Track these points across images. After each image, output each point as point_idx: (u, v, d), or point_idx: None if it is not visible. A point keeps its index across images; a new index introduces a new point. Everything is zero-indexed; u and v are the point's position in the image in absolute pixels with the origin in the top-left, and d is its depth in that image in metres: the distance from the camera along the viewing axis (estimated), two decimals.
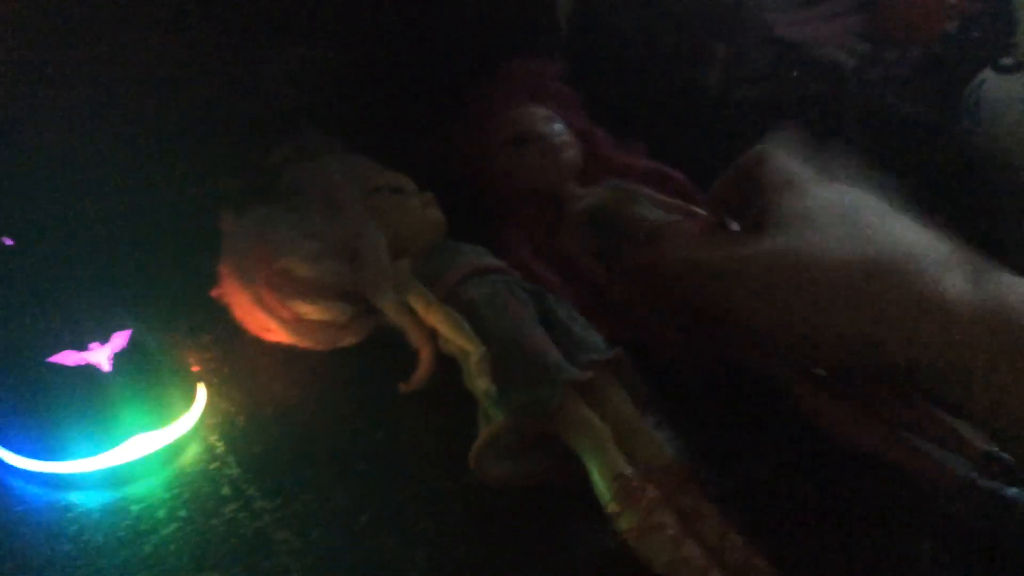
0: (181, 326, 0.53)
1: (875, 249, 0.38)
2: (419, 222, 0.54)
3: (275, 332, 0.51)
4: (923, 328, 0.36)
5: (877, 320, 0.37)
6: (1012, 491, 0.40)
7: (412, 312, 0.49)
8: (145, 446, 0.44)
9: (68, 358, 0.43)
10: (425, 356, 0.49)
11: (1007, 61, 0.87)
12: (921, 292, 0.36)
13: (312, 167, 0.55)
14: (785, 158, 0.45)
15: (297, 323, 0.50)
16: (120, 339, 0.45)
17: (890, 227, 0.40)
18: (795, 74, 0.75)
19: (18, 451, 0.43)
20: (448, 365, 0.48)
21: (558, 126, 0.61)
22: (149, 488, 0.43)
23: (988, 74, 0.89)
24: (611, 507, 0.38)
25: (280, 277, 0.49)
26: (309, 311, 0.50)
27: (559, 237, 0.57)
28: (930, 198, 0.79)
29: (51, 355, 0.43)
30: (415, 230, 0.54)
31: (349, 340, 0.52)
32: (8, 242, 0.47)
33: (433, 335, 0.49)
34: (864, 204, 0.42)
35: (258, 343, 0.53)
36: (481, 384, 0.44)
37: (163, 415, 0.45)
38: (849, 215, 0.41)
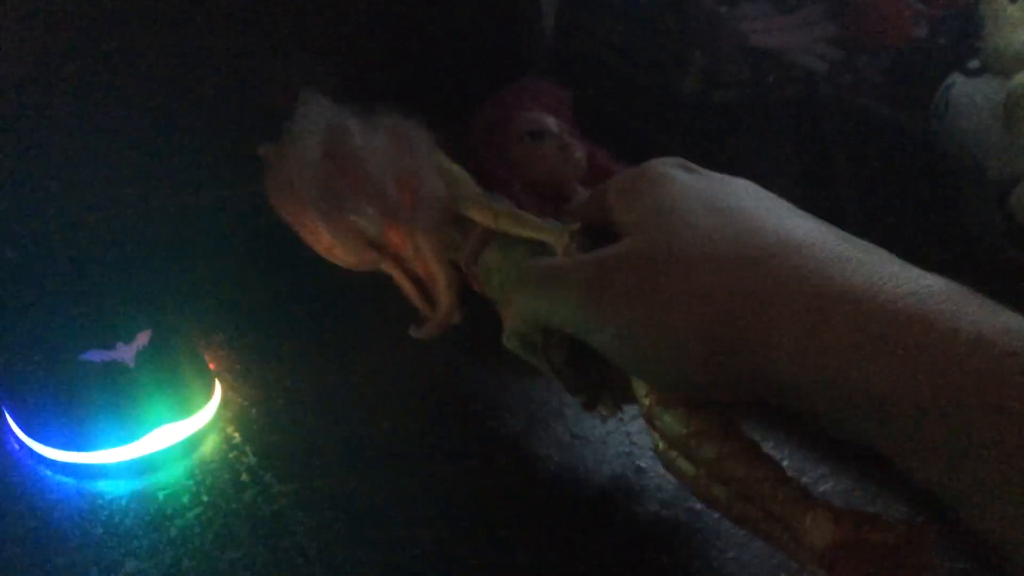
0: (198, 326, 0.56)
1: (755, 244, 0.32)
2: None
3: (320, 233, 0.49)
4: (806, 326, 0.29)
5: (753, 319, 0.31)
6: None
7: (449, 263, 0.48)
8: (168, 437, 0.47)
9: (96, 356, 0.46)
10: (441, 312, 0.48)
11: (975, 65, 0.90)
12: (809, 287, 0.30)
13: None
14: (660, 163, 0.39)
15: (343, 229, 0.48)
16: (143, 338, 0.47)
17: (769, 216, 0.34)
18: (770, 80, 0.78)
19: (51, 443, 0.46)
20: (450, 354, 0.50)
21: (568, 131, 0.64)
22: (173, 476, 0.46)
23: (957, 77, 0.92)
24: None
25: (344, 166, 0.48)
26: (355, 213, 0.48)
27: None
28: (901, 198, 0.83)
29: (81, 353, 0.46)
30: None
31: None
32: (33, 250, 0.49)
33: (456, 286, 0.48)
34: (741, 193, 0.36)
35: (268, 342, 0.56)
36: None
37: (184, 408, 0.48)
38: (726, 207, 0.34)
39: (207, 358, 0.52)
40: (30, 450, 0.47)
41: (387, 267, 0.49)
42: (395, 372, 0.52)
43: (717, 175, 0.38)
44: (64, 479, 0.46)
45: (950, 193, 0.79)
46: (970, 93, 0.90)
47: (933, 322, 0.28)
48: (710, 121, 0.77)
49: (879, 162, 0.83)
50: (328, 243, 0.49)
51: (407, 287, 0.49)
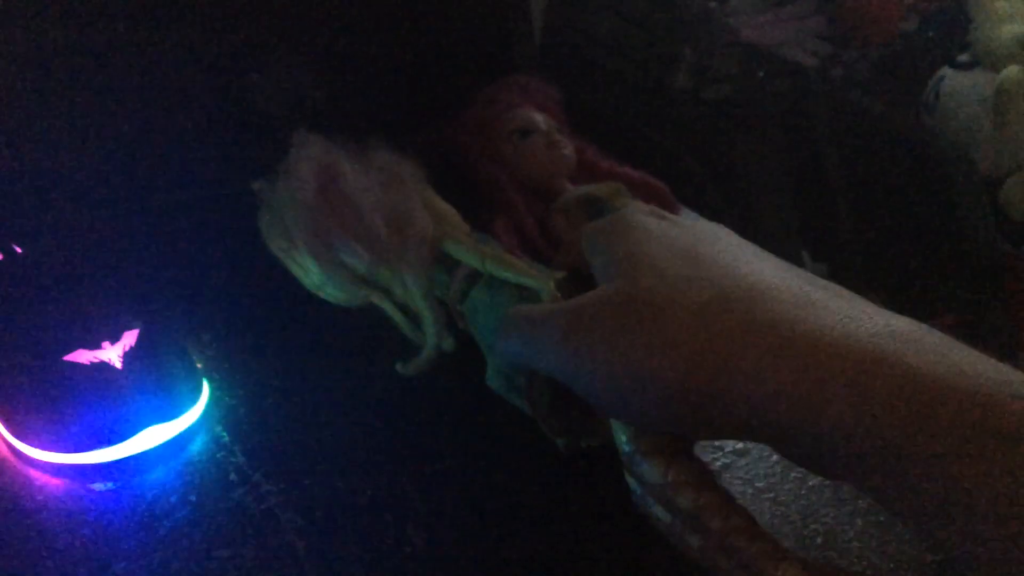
0: (185, 325, 0.55)
1: (725, 289, 0.33)
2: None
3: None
4: (777, 368, 0.30)
5: (723, 364, 0.31)
6: None
7: (436, 301, 0.49)
8: (156, 437, 0.47)
9: (82, 356, 0.46)
10: (429, 347, 0.49)
11: (964, 58, 0.91)
12: (778, 331, 0.31)
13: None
14: (631, 211, 0.41)
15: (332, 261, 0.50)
16: (130, 338, 0.47)
17: (737, 262, 0.35)
18: (760, 75, 0.78)
19: (39, 444, 0.46)
20: (441, 354, 0.50)
21: (557, 128, 0.64)
22: (162, 476, 0.46)
23: (946, 71, 0.92)
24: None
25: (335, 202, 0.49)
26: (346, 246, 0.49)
27: (551, 219, 0.59)
28: (891, 192, 0.83)
29: (66, 354, 0.46)
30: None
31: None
32: (17, 250, 0.49)
33: (447, 322, 0.49)
34: (710, 239, 0.38)
35: (256, 341, 0.56)
36: None
37: (172, 408, 0.47)
38: (697, 255, 0.36)
39: (195, 358, 0.52)
40: (17, 451, 0.47)
41: (377, 301, 0.51)
42: (385, 371, 0.52)
43: (687, 222, 0.40)
44: (52, 480, 0.46)
45: (941, 187, 0.80)
46: (960, 87, 0.91)
47: (897, 364, 0.28)
48: (700, 116, 0.77)
49: (869, 156, 0.83)
50: (319, 281, 0.50)
51: (398, 319, 0.50)
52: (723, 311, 0.33)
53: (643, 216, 0.40)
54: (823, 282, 0.34)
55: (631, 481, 0.38)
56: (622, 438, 0.37)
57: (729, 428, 0.33)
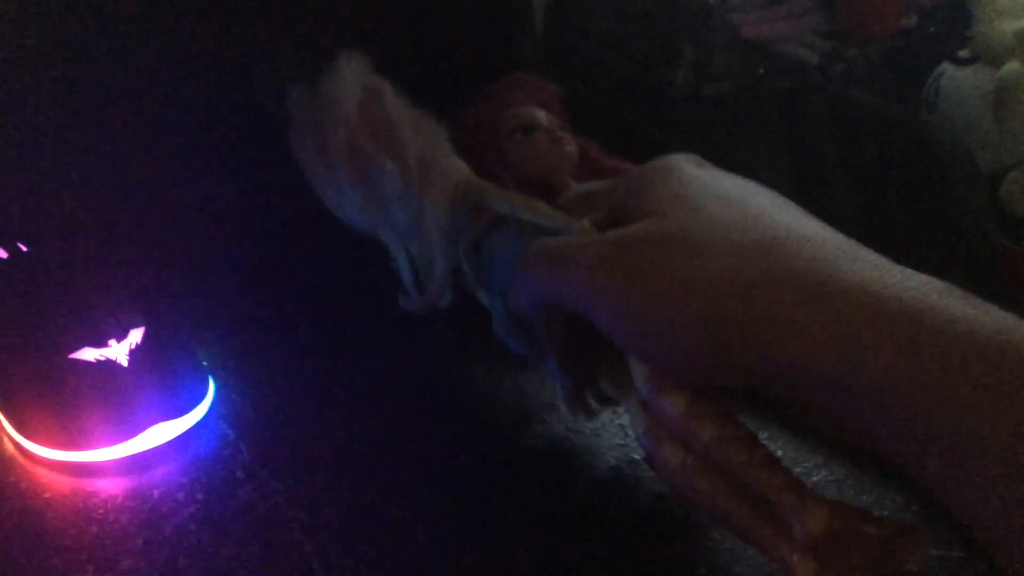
0: (191, 323, 0.55)
1: (765, 233, 0.33)
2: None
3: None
4: (816, 316, 0.30)
5: (759, 307, 0.31)
6: None
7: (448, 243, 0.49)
8: (162, 435, 0.47)
9: (88, 354, 0.46)
10: (436, 286, 0.49)
11: (964, 54, 0.91)
12: (818, 278, 0.31)
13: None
14: (675, 157, 0.40)
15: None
16: (136, 336, 0.47)
17: (783, 214, 0.35)
18: (761, 72, 0.78)
19: (45, 442, 0.46)
20: (445, 350, 0.50)
21: (559, 125, 0.64)
22: (168, 474, 0.46)
23: (946, 67, 0.92)
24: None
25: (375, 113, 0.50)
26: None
27: None
28: (892, 188, 0.83)
29: (72, 352, 0.46)
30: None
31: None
32: (23, 249, 0.49)
33: None
34: (752, 190, 0.37)
35: (262, 338, 0.56)
36: None
37: (177, 406, 0.48)
38: (737, 199, 0.35)
39: (201, 355, 0.52)
40: (24, 449, 0.47)
41: (386, 236, 0.50)
42: (390, 368, 0.52)
43: (728, 173, 0.39)
44: (58, 478, 0.46)
45: (941, 183, 0.80)
46: (960, 83, 0.91)
47: (934, 316, 0.28)
48: (701, 113, 0.77)
49: (870, 153, 0.83)
50: (341, 195, 0.50)
51: (401, 261, 0.50)
52: (762, 254, 0.32)
53: (686, 162, 0.39)
54: (860, 245, 0.33)
55: (639, 422, 0.38)
56: (640, 376, 0.37)
57: (755, 373, 0.32)
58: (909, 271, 0.31)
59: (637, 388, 0.38)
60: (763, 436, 0.49)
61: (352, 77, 0.50)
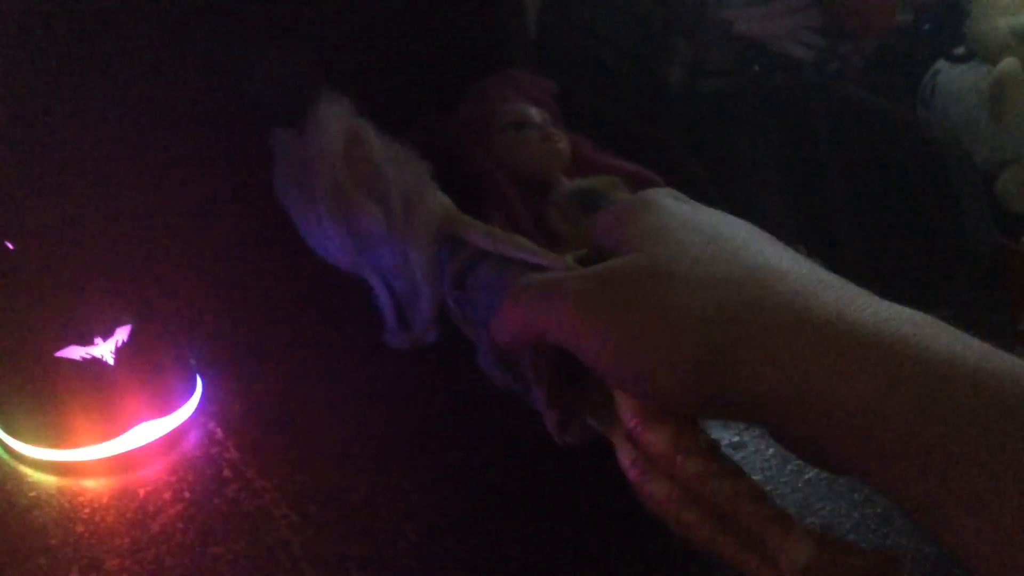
0: (178, 321, 0.54)
1: (743, 267, 0.34)
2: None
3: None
4: (790, 347, 0.30)
5: (737, 339, 0.32)
6: None
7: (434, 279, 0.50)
8: (149, 433, 0.46)
9: (74, 352, 0.46)
10: (420, 324, 0.50)
11: (959, 51, 0.90)
12: (795, 310, 0.31)
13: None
14: (654, 192, 0.41)
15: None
16: (122, 334, 0.47)
17: (760, 247, 0.36)
18: (755, 69, 0.78)
19: (31, 441, 0.46)
20: (435, 348, 0.50)
21: (552, 121, 0.64)
22: (154, 472, 0.46)
23: (942, 64, 0.92)
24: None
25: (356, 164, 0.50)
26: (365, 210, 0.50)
27: (546, 213, 0.59)
28: (888, 185, 0.83)
29: (58, 350, 0.46)
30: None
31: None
32: (9, 247, 0.49)
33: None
34: (729, 223, 0.38)
35: (250, 336, 0.55)
36: None
37: (164, 404, 0.47)
38: (714, 233, 0.36)
39: (188, 353, 0.52)
40: (9, 448, 0.47)
41: (370, 275, 0.51)
42: (379, 366, 0.51)
43: (705, 207, 0.40)
44: (44, 477, 0.45)
45: (937, 179, 0.79)
46: (956, 79, 0.91)
47: (911, 345, 0.29)
48: (695, 110, 0.77)
49: (866, 149, 0.83)
50: (326, 238, 0.50)
51: (385, 299, 0.51)
52: (740, 287, 0.33)
53: (665, 197, 0.40)
54: (835, 275, 0.34)
55: (626, 456, 0.38)
56: (626, 409, 0.37)
57: (737, 407, 0.33)
58: (884, 302, 0.32)
59: (624, 422, 0.38)
60: (754, 435, 0.49)
61: (335, 119, 0.51)
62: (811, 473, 0.47)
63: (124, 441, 0.46)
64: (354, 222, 0.49)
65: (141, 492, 0.45)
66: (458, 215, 0.50)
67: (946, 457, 0.27)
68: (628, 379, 0.36)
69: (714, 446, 0.36)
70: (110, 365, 0.46)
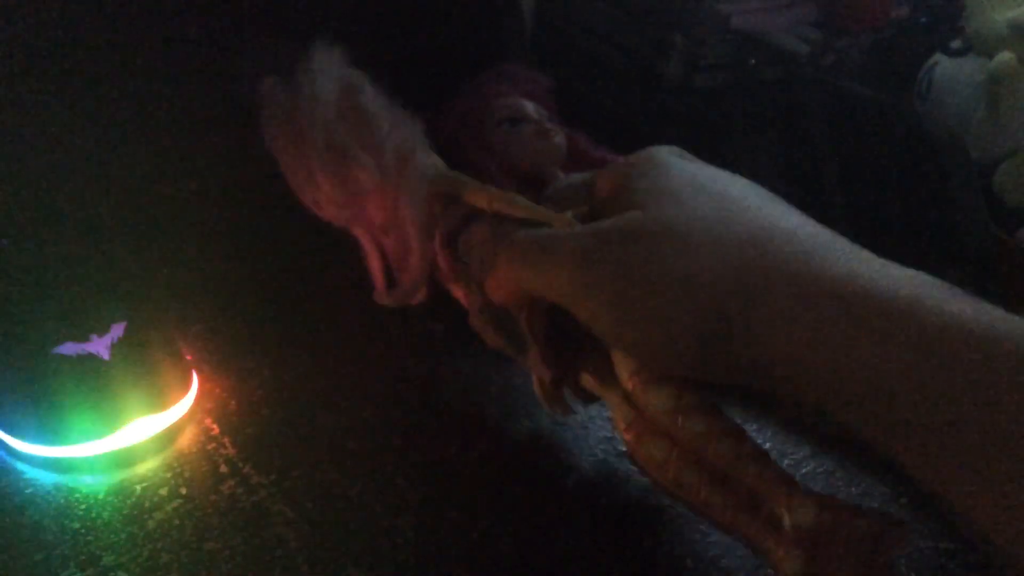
0: (174, 317, 0.55)
1: (749, 227, 0.33)
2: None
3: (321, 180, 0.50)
4: (805, 312, 0.29)
5: (747, 303, 0.31)
6: None
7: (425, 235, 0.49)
8: (145, 430, 0.46)
9: (70, 349, 0.45)
10: (412, 280, 0.49)
11: (957, 44, 0.90)
12: (802, 272, 0.30)
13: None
14: (659, 150, 0.40)
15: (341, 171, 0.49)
16: (118, 330, 0.47)
17: (766, 207, 0.35)
18: (752, 63, 0.78)
19: (27, 438, 0.46)
20: (429, 343, 0.50)
21: (547, 116, 0.64)
22: (151, 469, 0.46)
23: (939, 57, 0.92)
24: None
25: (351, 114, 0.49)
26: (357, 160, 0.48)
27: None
28: (885, 179, 0.83)
29: (54, 347, 0.45)
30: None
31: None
32: (3, 243, 0.49)
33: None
34: (739, 184, 0.37)
35: (246, 332, 0.55)
36: None
37: (160, 400, 0.47)
38: (720, 192, 0.35)
39: (184, 349, 0.52)
40: (5, 445, 0.47)
41: (360, 231, 0.50)
42: (374, 361, 0.51)
43: (713, 167, 0.39)
44: (40, 473, 0.45)
45: (934, 173, 0.79)
46: (953, 73, 0.90)
47: (923, 308, 0.28)
48: (692, 105, 0.77)
49: (863, 144, 0.83)
50: (316, 190, 0.49)
51: (373, 255, 0.50)
52: (746, 247, 0.32)
53: (670, 155, 0.39)
54: (845, 239, 0.33)
55: (621, 416, 0.38)
56: (625, 369, 0.37)
57: (741, 371, 0.32)
58: (892, 264, 0.31)
59: (621, 382, 0.37)
60: (751, 428, 0.49)
61: (328, 69, 0.49)
62: (808, 466, 0.47)
63: (120, 437, 0.46)
64: (346, 173, 0.48)
65: (137, 488, 0.44)
66: (453, 172, 0.49)
67: (955, 421, 0.26)
68: (628, 343, 0.35)
69: (716, 406, 0.35)
70: (106, 361, 0.46)
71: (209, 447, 0.47)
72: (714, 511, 0.35)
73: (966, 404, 0.26)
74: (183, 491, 0.44)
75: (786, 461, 0.48)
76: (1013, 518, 0.26)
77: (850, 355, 0.28)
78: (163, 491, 0.44)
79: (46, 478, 0.45)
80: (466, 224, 0.46)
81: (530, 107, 0.63)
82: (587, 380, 0.42)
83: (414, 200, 0.47)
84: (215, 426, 0.49)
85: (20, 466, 0.46)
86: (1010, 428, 0.25)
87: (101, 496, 0.44)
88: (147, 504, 0.44)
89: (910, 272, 0.30)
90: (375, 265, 0.50)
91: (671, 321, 0.32)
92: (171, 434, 0.48)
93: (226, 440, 0.48)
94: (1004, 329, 0.27)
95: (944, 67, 0.91)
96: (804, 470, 0.47)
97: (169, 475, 0.45)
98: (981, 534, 0.27)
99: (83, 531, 0.42)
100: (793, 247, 0.32)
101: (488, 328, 0.44)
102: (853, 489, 0.46)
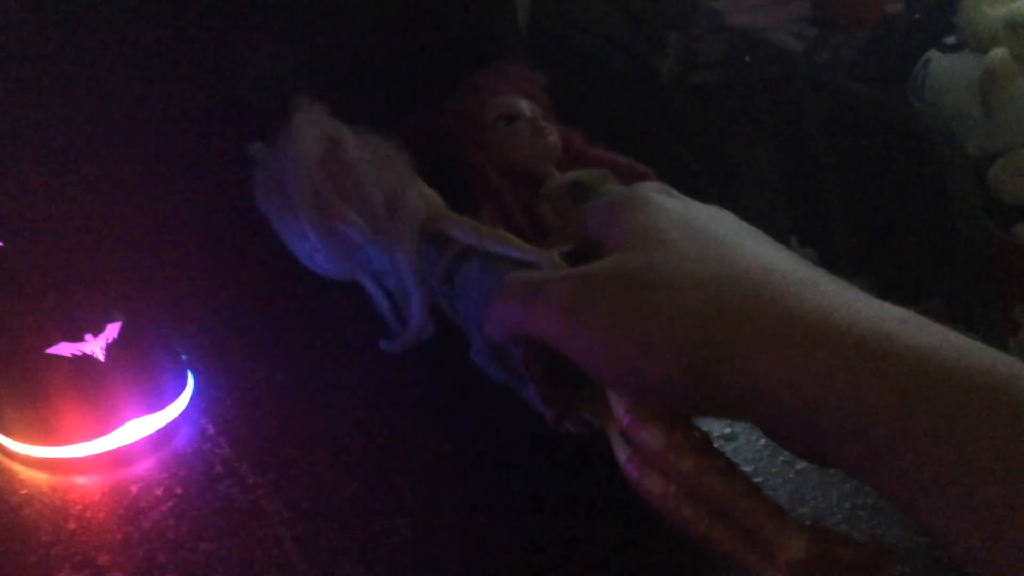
0: (169, 317, 0.55)
1: (732, 265, 0.34)
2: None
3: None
4: (781, 346, 0.31)
5: (729, 339, 0.32)
6: None
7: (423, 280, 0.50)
8: (141, 430, 0.46)
9: (64, 349, 0.45)
10: (413, 325, 0.50)
11: (950, 40, 0.90)
12: (783, 307, 0.31)
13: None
14: (643, 187, 0.41)
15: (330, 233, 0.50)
16: (113, 330, 0.47)
17: (744, 243, 0.36)
18: (747, 60, 0.78)
19: (22, 438, 0.45)
20: (427, 345, 0.50)
21: (543, 114, 0.64)
22: (146, 469, 0.46)
23: (933, 54, 0.92)
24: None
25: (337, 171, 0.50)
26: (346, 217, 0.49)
27: (536, 206, 0.59)
28: (880, 175, 0.83)
29: (49, 347, 0.45)
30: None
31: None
32: None
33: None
34: (719, 219, 0.38)
35: (241, 332, 0.55)
36: None
37: (156, 400, 0.47)
38: (703, 230, 0.36)
39: (179, 349, 0.52)
40: (0, 445, 0.46)
41: (362, 279, 0.51)
42: (371, 362, 0.51)
43: (695, 202, 0.40)
44: (35, 474, 0.45)
45: (929, 170, 0.79)
46: (947, 69, 0.91)
47: (897, 342, 0.29)
48: (687, 102, 0.77)
49: (857, 140, 0.83)
50: (310, 249, 0.50)
51: (380, 300, 0.51)
52: (731, 286, 0.33)
53: (655, 193, 0.40)
54: (824, 272, 0.34)
55: (622, 453, 0.38)
56: (619, 407, 0.37)
57: (728, 404, 0.33)
58: (871, 298, 0.32)
59: (617, 418, 0.38)
60: (744, 427, 0.49)
61: (309, 127, 0.50)
62: (802, 464, 0.47)
63: (115, 437, 0.46)
64: (338, 230, 0.49)
65: (133, 488, 0.44)
66: (443, 211, 0.50)
67: (931, 451, 0.27)
68: (617, 380, 0.36)
69: (707, 442, 0.36)
70: (101, 361, 0.46)
71: (204, 447, 0.47)
72: (714, 543, 0.35)
73: (941, 436, 0.27)
74: (179, 491, 0.44)
75: (780, 458, 0.48)
76: (992, 548, 0.26)
77: (826, 387, 0.29)
78: (158, 491, 0.44)
79: (41, 478, 0.45)
80: (460, 262, 0.47)
81: (525, 105, 0.63)
82: (588, 413, 0.43)
83: (406, 246, 0.49)
84: (211, 426, 0.49)
85: (15, 466, 0.46)
86: (983, 459, 0.26)
87: (96, 496, 0.44)
88: (142, 504, 0.43)
89: (888, 307, 0.31)
90: (384, 308, 0.51)
91: (657, 360, 0.33)
92: (166, 434, 0.48)
93: (222, 440, 0.48)
94: (976, 361, 0.28)
95: (939, 63, 0.91)
96: (798, 467, 0.47)
97: (165, 475, 0.45)
98: (961, 561, 0.28)
99: (78, 531, 0.42)
100: (771, 284, 0.33)
101: (490, 365, 0.45)
102: (847, 486, 0.46)
